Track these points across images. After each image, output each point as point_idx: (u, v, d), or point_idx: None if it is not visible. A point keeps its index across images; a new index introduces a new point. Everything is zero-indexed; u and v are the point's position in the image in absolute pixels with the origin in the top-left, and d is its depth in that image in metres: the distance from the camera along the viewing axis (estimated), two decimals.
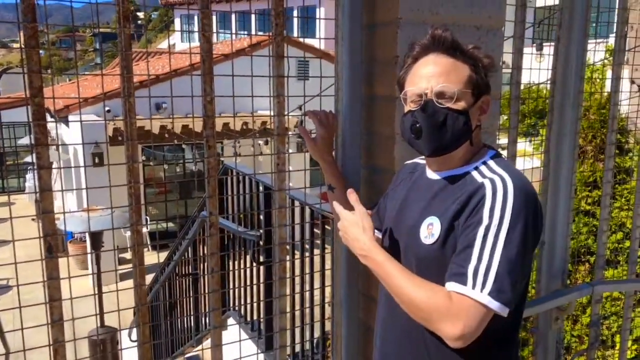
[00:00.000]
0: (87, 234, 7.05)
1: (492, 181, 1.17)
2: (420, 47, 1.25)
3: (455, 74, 1.21)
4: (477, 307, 1.08)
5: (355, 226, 1.28)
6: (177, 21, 26.32)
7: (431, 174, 1.31)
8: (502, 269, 1.09)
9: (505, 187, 1.14)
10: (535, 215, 1.15)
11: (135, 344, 1.55)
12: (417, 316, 1.15)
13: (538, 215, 1.17)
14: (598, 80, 4.19)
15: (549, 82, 2.11)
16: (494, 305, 1.08)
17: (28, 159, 12.59)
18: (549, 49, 2.20)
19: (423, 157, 1.42)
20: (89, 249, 8.84)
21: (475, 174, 1.22)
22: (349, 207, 1.60)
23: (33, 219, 10.61)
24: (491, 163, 1.24)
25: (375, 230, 1.50)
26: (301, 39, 9.45)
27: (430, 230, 1.21)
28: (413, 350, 1.27)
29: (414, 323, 1.20)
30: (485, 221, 1.12)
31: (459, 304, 1.09)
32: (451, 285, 1.12)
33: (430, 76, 1.21)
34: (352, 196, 1.32)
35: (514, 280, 1.10)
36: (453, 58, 1.22)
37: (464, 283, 1.09)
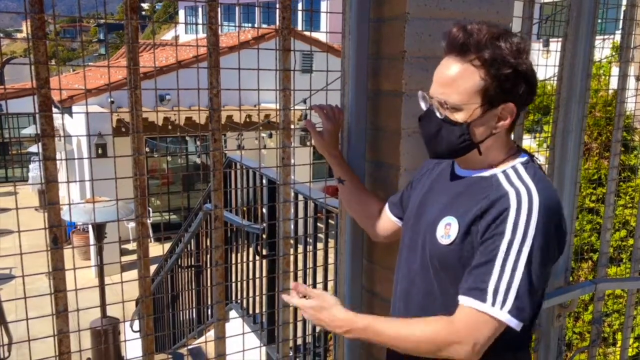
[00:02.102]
0: (90, 225, 7.07)
1: (518, 192, 1.12)
2: (445, 47, 1.19)
3: (460, 82, 1.14)
4: (493, 324, 1.08)
5: (321, 310, 1.26)
6: (181, 13, 26.28)
7: (460, 170, 1.28)
8: (524, 287, 1.07)
9: (530, 201, 1.10)
10: (558, 230, 1.13)
11: (138, 334, 1.56)
12: (426, 352, 1.13)
13: (561, 230, 1.15)
14: (604, 77, 4.17)
15: (554, 78, 2.10)
16: (513, 323, 1.07)
17: (32, 149, 12.62)
18: (555, 45, 2.18)
19: None
20: (91, 240, 8.89)
21: (502, 178, 1.18)
22: (360, 195, 1.60)
23: (36, 209, 10.67)
24: (520, 169, 1.19)
25: (397, 219, 1.50)
26: (307, 33, 9.42)
27: (447, 230, 1.19)
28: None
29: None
30: (508, 235, 1.09)
31: (470, 322, 1.09)
32: (469, 301, 1.10)
33: (437, 82, 1.18)
34: (299, 288, 1.31)
35: (533, 297, 1.09)
36: (464, 63, 1.14)
37: (484, 300, 1.08)
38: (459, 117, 1.16)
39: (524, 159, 1.22)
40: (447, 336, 1.10)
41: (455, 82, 1.15)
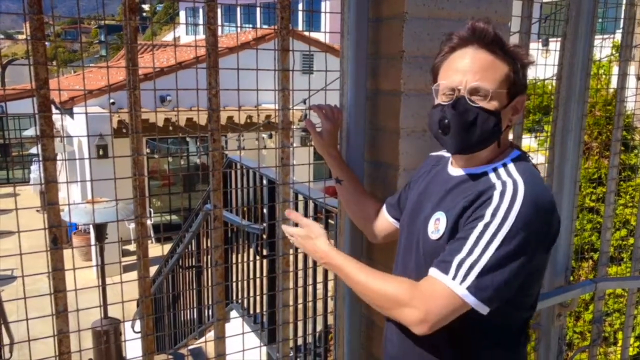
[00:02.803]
0: (90, 226, 7.09)
1: (504, 184, 1.13)
2: (459, 38, 1.20)
3: (493, 71, 1.16)
4: (450, 297, 1.08)
5: (307, 239, 1.34)
6: (182, 14, 26.30)
7: (452, 170, 1.29)
8: (489, 269, 1.07)
9: (515, 191, 1.11)
10: (545, 226, 1.12)
11: (139, 335, 1.56)
12: (381, 306, 1.17)
13: (549, 227, 1.14)
14: (604, 76, 4.17)
15: (554, 78, 2.10)
16: (470, 299, 1.07)
17: (33, 150, 12.63)
18: (555, 44, 2.19)
19: None
20: (92, 241, 8.90)
21: (492, 174, 1.19)
22: (358, 196, 1.60)
23: (38, 210, 10.68)
24: (510, 166, 1.19)
25: (394, 220, 1.51)
26: (306, 33, 9.42)
27: (437, 225, 1.20)
28: (416, 352, 1.27)
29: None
30: (487, 219, 1.09)
31: (431, 290, 1.10)
32: (433, 272, 1.12)
33: (467, 71, 1.17)
34: (291, 215, 1.39)
35: (499, 282, 1.07)
36: (492, 54, 1.17)
37: (446, 272, 1.09)
38: (492, 105, 1.17)
39: (515, 155, 1.23)
40: (404, 298, 1.12)
41: (488, 71, 1.16)
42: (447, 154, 1.38)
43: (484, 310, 1.08)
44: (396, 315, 1.14)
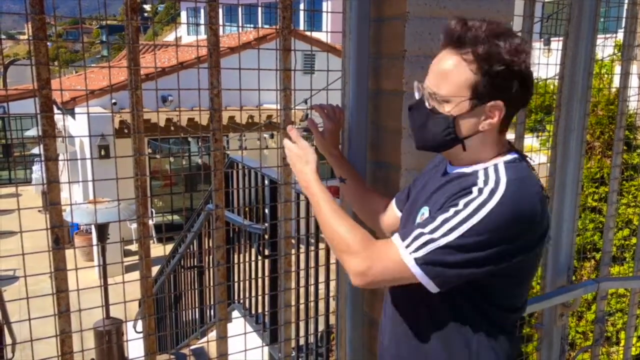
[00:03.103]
0: (92, 226, 7.09)
1: (486, 182, 1.12)
2: (440, 39, 1.20)
3: (452, 75, 1.13)
4: (397, 262, 1.10)
5: (298, 159, 1.37)
6: (183, 14, 26.32)
7: (449, 168, 1.28)
8: (443, 249, 1.07)
9: (494, 190, 1.09)
10: (517, 234, 1.09)
11: (141, 335, 1.57)
12: (335, 247, 1.20)
13: (524, 235, 1.10)
14: (606, 76, 4.16)
15: (556, 77, 2.10)
16: (416, 270, 1.08)
17: (35, 150, 12.65)
18: (557, 44, 2.18)
19: None
20: (94, 241, 8.91)
21: (481, 174, 1.17)
22: (362, 193, 1.60)
23: (39, 211, 10.69)
24: (500, 168, 1.16)
25: (401, 213, 1.51)
26: (308, 33, 9.42)
27: (422, 219, 1.21)
28: (410, 347, 1.28)
29: (410, 321, 1.25)
30: (459, 207, 1.09)
31: (382, 248, 1.13)
32: (394, 236, 1.14)
33: (430, 73, 1.18)
34: (292, 132, 1.42)
35: (448, 264, 1.08)
36: (459, 56, 1.13)
37: (403, 239, 1.11)
38: (446, 109, 1.16)
39: (509, 157, 1.20)
40: (357, 247, 1.15)
41: (447, 74, 1.14)
42: None
43: (432, 288, 1.10)
44: (343, 260, 1.17)
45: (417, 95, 1.24)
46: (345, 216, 1.24)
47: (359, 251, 1.14)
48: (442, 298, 1.16)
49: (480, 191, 1.10)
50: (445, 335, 1.21)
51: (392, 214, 1.54)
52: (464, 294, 1.17)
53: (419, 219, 1.22)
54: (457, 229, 1.07)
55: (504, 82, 1.12)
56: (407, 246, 1.10)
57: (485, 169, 1.17)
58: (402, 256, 1.09)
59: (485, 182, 1.12)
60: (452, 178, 1.23)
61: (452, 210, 1.10)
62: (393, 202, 1.55)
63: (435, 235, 1.08)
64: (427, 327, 1.23)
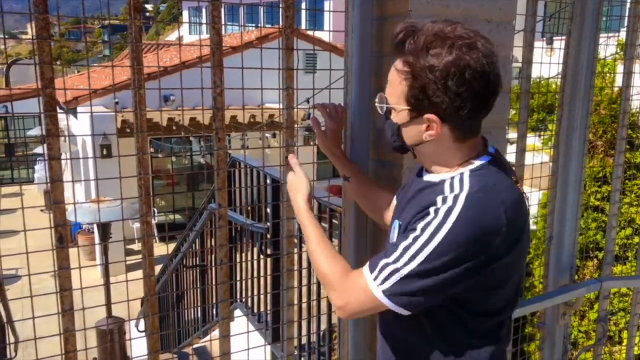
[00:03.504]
0: (95, 225, 7.11)
1: (445, 199, 1.10)
2: None
3: (392, 84, 1.15)
4: (368, 295, 1.13)
5: (293, 188, 1.42)
6: (185, 13, 26.34)
7: (423, 174, 1.27)
8: (408, 277, 1.08)
9: (450, 209, 1.07)
10: (481, 247, 1.07)
11: (143, 334, 1.57)
12: (320, 280, 1.25)
13: (488, 247, 1.08)
14: (609, 74, 4.16)
15: (559, 76, 2.10)
16: (385, 301, 1.11)
17: (37, 150, 12.68)
18: (559, 42, 2.18)
19: None
20: (97, 240, 8.93)
21: (446, 185, 1.14)
22: (367, 190, 1.61)
23: (42, 210, 10.71)
24: (465, 178, 1.13)
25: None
26: (309, 32, 9.42)
27: (393, 235, 1.24)
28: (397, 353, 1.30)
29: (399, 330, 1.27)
30: (417, 232, 1.09)
31: (355, 283, 1.15)
32: (365, 266, 1.16)
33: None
34: (292, 160, 1.47)
35: (415, 290, 1.09)
36: (400, 64, 1.12)
37: (372, 271, 1.13)
38: (393, 117, 1.19)
39: (477, 164, 1.16)
40: (333, 282, 1.19)
41: (390, 83, 1.17)
42: None
43: (402, 312, 1.12)
44: (327, 293, 1.22)
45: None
46: (327, 248, 1.27)
47: (336, 286, 1.19)
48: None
49: (437, 212, 1.08)
50: (428, 342, 1.22)
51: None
52: (441, 304, 1.16)
53: (392, 233, 1.25)
54: (417, 255, 1.08)
55: (434, 96, 1.08)
56: (375, 278, 1.12)
57: (452, 179, 1.15)
58: (372, 289, 1.12)
59: (443, 201, 1.10)
60: (422, 188, 1.22)
61: (411, 237, 1.10)
62: (395, 198, 1.55)
63: (399, 264, 1.10)
64: (409, 334, 1.26)
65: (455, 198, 1.09)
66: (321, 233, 1.30)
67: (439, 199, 1.11)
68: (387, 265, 1.11)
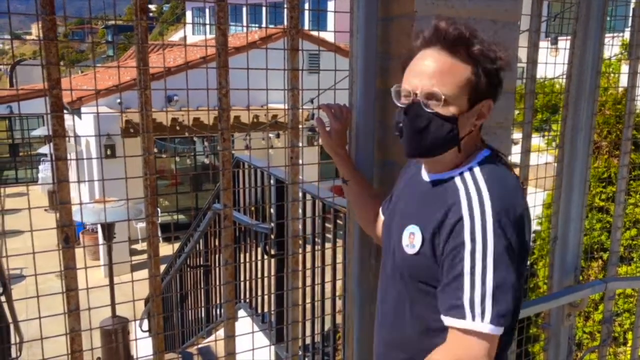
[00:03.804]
0: (99, 225, 7.12)
1: (470, 199, 1.10)
2: (422, 38, 1.17)
3: (452, 75, 1.12)
4: (482, 337, 1.05)
5: None
6: (188, 14, 26.36)
7: (425, 175, 1.26)
8: (498, 293, 1.05)
9: (482, 206, 1.08)
10: (519, 230, 1.10)
11: (147, 334, 1.57)
12: None
13: (523, 229, 1.11)
14: (613, 75, 4.15)
15: (563, 76, 2.09)
16: (497, 331, 1.05)
17: (41, 150, 12.71)
18: (564, 43, 2.18)
19: None
20: (100, 240, 8.94)
21: (458, 182, 1.15)
22: (363, 197, 1.60)
23: (46, 210, 10.73)
24: (476, 171, 1.15)
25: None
26: (314, 32, 9.43)
27: (411, 239, 1.18)
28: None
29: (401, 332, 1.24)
30: (468, 246, 1.06)
31: (464, 343, 1.06)
32: (449, 321, 1.09)
33: (423, 74, 1.13)
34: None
35: (510, 301, 1.06)
36: (453, 57, 1.12)
37: (463, 317, 1.06)
38: (448, 111, 1.13)
39: (482, 157, 1.19)
40: None
41: (446, 75, 1.12)
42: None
43: (499, 331, 1.06)
44: None
45: (404, 100, 1.18)
46: None
47: None
48: (427, 309, 1.17)
49: (472, 216, 1.08)
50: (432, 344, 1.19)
51: (381, 221, 1.54)
52: None
53: (407, 238, 1.19)
54: (486, 266, 1.05)
55: (494, 80, 1.15)
56: (473, 319, 1.04)
57: (462, 175, 1.16)
58: (480, 330, 1.04)
59: (469, 200, 1.10)
60: (431, 188, 1.21)
61: (467, 253, 1.06)
62: (380, 210, 1.54)
63: (478, 287, 1.04)
64: (415, 339, 1.22)
65: (480, 193, 1.10)
66: None
67: (462, 200, 1.10)
68: (472, 298, 1.05)
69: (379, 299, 1.38)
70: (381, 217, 1.54)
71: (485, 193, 1.10)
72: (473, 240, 1.06)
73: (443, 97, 1.12)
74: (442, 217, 1.12)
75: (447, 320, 1.09)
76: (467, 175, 1.15)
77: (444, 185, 1.18)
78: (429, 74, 1.13)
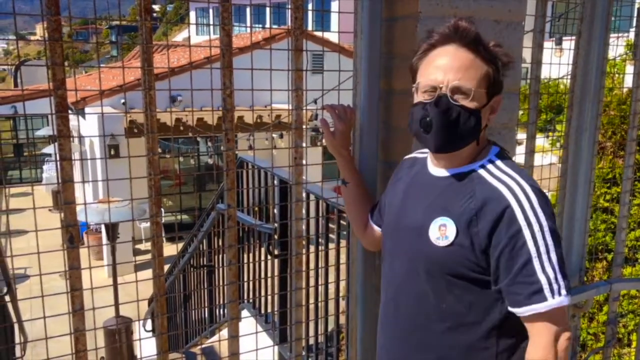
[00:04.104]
0: (102, 225, 7.14)
1: (508, 187, 1.16)
2: (440, 35, 1.20)
3: (474, 70, 1.17)
4: (563, 310, 1.13)
5: None
6: (192, 14, 26.41)
7: (435, 171, 1.28)
8: (562, 265, 1.13)
9: (524, 190, 1.15)
10: (552, 209, 1.18)
11: (150, 334, 1.57)
12: None
13: (554, 210, 1.21)
14: (618, 75, 4.13)
15: (567, 76, 2.09)
16: (569, 300, 1.13)
17: (45, 150, 12.76)
18: (568, 43, 2.17)
19: (422, 151, 1.41)
20: (104, 240, 8.96)
21: (483, 173, 1.20)
22: (360, 200, 1.60)
23: (50, 210, 10.75)
24: (498, 163, 1.22)
25: (379, 228, 1.51)
26: (318, 33, 9.43)
27: (443, 231, 1.19)
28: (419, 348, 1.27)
29: (418, 322, 1.24)
30: (526, 230, 1.12)
31: (551, 320, 1.12)
32: (535, 307, 1.13)
33: (448, 69, 1.17)
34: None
35: (565, 267, 1.15)
36: (473, 53, 1.18)
37: (545, 299, 1.12)
38: (472, 104, 1.18)
39: (496, 151, 1.26)
40: (554, 347, 1.12)
41: (470, 70, 1.17)
42: (421, 155, 1.38)
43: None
44: (568, 352, 1.16)
45: (427, 96, 1.20)
46: None
47: (555, 348, 1.13)
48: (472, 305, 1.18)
49: (520, 201, 1.14)
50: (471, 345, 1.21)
51: (371, 228, 1.55)
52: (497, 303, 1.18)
53: (437, 231, 1.20)
54: (548, 244, 1.12)
55: (501, 77, 1.22)
56: (553, 295, 1.12)
57: (484, 166, 1.21)
58: (563, 304, 1.12)
59: (510, 189, 1.15)
60: (452, 182, 1.23)
61: (528, 238, 1.12)
62: (369, 216, 1.55)
63: (547, 265, 1.12)
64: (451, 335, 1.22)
65: (516, 181, 1.16)
66: None
67: (502, 189, 1.16)
68: (548, 277, 1.12)
69: (388, 300, 1.36)
70: (370, 222, 1.55)
71: (520, 179, 1.17)
72: (529, 224, 1.12)
73: (471, 90, 1.16)
74: (478, 206, 1.16)
75: (531, 309, 1.13)
76: (490, 166, 1.21)
77: (466, 177, 1.21)
78: (454, 68, 1.17)
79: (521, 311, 1.14)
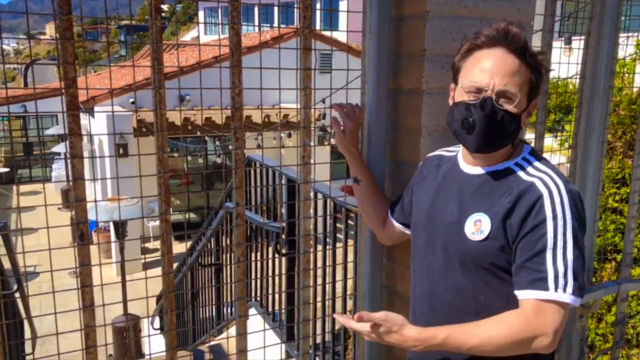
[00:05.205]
0: (111, 223, 7.19)
1: (543, 180, 1.18)
2: (487, 37, 1.21)
3: (519, 76, 1.19)
4: (562, 309, 1.12)
5: (389, 333, 1.20)
6: (200, 14, 26.49)
7: (469, 168, 1.30)
8: (577, 266, 1.12)
9: (557, 185, 1.17)
10: (583, 209, 1.19)
11: (158, 331, 1.59)
12: (510, 351, 1.14)
13: (584, 210, 1.21)
14: (628, 75, 4.10)
15: (576, 76, 2.08)
16: (578, 302, 1.12)
17: (55, 149, 12.84)
18: (578, 43, 2.16)
19: (448, 149, 1.42)
20: (112, 238, 9.02)
21: (519, 171, 1.23)
22: (374, 197, 1.61)
23: (59, 208, 10.82)
24: (532, 160, 1.25)
25: (401, 225, 1.52)
26: (326, 32, 9.43)
27: (478, 226, 1.21)
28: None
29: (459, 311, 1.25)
30: (550, 222, 1.13)
31: (545, 311, 1.12)
32: (531, 293, 1.13)
33: (495, 73, 1.18)
34: (364, 317, 1.21)
35: (583, 274, 1.14)
36: (520, 59, 1.20)
37: (546, 289, 1.12)
38: (514, 109, 1.20)
39: (529, 149, 1.29)
40: (529, 332, 1.12)
41: (515, 75, 1.19)
42: (448, 153, 1.40)
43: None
44: (528, 350, 1.13)
45: (471, 97, 1.21)
46: (478, 326, 1.16)
47: (535, 332, 1.11)
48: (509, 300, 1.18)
49: (551, 194, 1.15)
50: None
51: (391, 223, 1.56)
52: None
53: (472, 227, 1.21)
54: (567, 239, 1.13)
55: (540, 82, 1.24)
56: (557, 289, 1.11)
57: (518, 164, 1.24)
58: (563, 300, 1.11)
59: (544, 183, 1.18)
60: (488, 178, 1.25)
61: (549, 229, 1.13)
62: (389, 212, 1.57)
63: (560, 260, 1.12)
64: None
65: (551, 177, 1.18)
66: (459, 329, 1.16)
67: (537, 182, 1.18)
68: (556, 271, 1.12)
69: (422, 295, 1.36)
70: (389, 218, 1.56)
71: (554, 175, 1.20)
72: (555, 216, 1.13)
73: (516, 96, 1.19)
74: (515, 199, 1.18)
75: (529, 293, 1.14)
76: (525, 164, 1.24)
77: (502, 174, 1.24)
78: (501, 73, 1.18)
79: (521, 294, 1.15)
